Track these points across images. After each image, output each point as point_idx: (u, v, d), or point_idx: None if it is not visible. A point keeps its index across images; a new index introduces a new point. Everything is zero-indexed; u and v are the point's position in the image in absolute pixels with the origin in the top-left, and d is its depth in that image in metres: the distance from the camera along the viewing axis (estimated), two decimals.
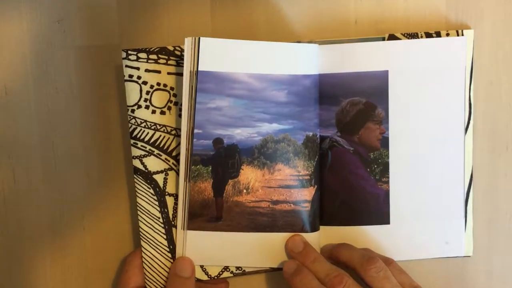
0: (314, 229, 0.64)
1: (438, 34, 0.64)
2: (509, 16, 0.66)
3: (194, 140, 0.62)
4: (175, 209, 0.64)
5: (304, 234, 0.64)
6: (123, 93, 0.64)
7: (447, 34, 0.64)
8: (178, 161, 0.64)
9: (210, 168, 0.63)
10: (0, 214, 0.67)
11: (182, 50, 0.62)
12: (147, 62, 0.63)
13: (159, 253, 0.64)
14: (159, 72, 0.63)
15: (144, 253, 0.64)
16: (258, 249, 0.64)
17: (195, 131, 0.62)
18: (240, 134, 0.63)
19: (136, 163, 0.64)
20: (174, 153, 0.64)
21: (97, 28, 0.66)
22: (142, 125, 0.64)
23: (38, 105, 0.66)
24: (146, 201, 0.64)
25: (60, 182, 0.67)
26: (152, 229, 0.64)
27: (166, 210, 0.64)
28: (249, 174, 0.63)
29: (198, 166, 0.63)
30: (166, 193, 0.64)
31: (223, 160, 0.63)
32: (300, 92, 0.63)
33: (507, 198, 0.68)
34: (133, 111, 0.63)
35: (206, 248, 0.64)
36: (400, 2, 0.66)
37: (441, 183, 0.65)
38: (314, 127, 0.63)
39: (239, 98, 0.62)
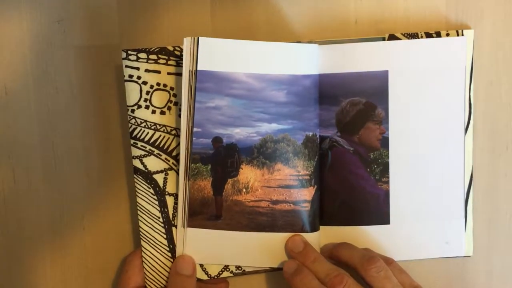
0: (314, 229, 0.64)
1: (438, 34, 0.64)
2: (509, 16, 0.66)
3: (194, 138, 0.62)
4: (175, 208, 0.64)
5: (304, 234, 0.64)
6: (123, 93, 0.64)
7: (447, 34, 0.64)
8: (178, 161, 0.64)
9: (210, 167, 0.63)
10: (0, 214, 0.67)
11: (182, 50, 0.62)
12: (147, 62, 0.63)
13: (159, 253, 0.64)
14: (159, 72, 0.63)
15: (144, 253, 0.64)
16: (258, 248, 0.64)
17: (195, 129, 0.62)
18: (239, 133, 0.63)
19: (136, 163, 0.64)
20: (174, 153, 0.64)
21: (97, 28, 0.66)
22: (142, 125, 0.64)
23: (38, 105, 0.66)
24: (146, 201, 0.64)
25: (60, 182, 0.67)
26: (152, 229, 0.64)
27: (166, 210, 0.64)
28: (248, 174, 0.63)
29: (197, 164, 0.63)
30: (166, 193, 0.64)
31: (222, 159, 0.63)
32: (300, 92, 0.63)
33: (507, 198, 0.68)
34: (133, 111, 0.63)
35: (206, 247, 0.64)
36: (400, 2, 0.66)
37: (441, 183, 0.65)
38: (314, 127, 0.63)
39: (238, 98, 0.62)
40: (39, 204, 0.67)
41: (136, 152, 0.64)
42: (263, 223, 0.64)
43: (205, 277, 0.65)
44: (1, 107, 0.66)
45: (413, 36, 0.64)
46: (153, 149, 0.64)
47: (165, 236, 0.64)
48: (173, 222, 0.64)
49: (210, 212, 0.64)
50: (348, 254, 0.62)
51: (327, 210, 0.65)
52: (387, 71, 0.64)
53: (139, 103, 0.63)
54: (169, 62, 0.63)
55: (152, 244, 0.64)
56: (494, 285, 0.69)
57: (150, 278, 0.65)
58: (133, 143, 0.64)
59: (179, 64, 0.63)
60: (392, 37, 0.64)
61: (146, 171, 0.64)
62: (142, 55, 0.63)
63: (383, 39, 0.64)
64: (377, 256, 0.61)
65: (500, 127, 0.67)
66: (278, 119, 0.63)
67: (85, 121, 0.66)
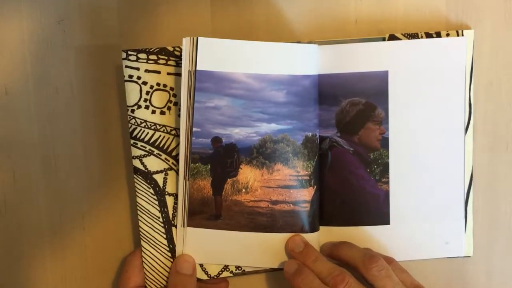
0: (314, 229, 0.64)
1: (438, 34, 0.64)
2: (509, 16, 0.66)
3: (193, 138, 0.62)
4: (175, 208, 0.64)
5: (303, 235, 0.64)
6: (123, 93, 0.64)
7: (447, 34, 0.64)
8: (177, 161, 0.64)
9: (209, 167, 0.63)
10: (0, 214, 0.67)
11: (181, 51, 0.62)
12: (147, 62, 0.63)
13: (159, 253, 0.64)
14: (159, 72, 0.63)
15: (144, 253, 0.65)
16: (258, 249, 0.64)
17: (194, 129, 0.62)
18: (238, 133, 0.63)
19: (136, 163, 0.64)
20: (173, 153, 0.64)
21: (97, 28, 0.66)
22: (142, 125, 0.64)
23: (38, 105, 0.66)
24: (146, 201, 0.64)
25: (60, 182, 0.67)
26: (152, 229, 0.64)
27: (166, 210, 0.64)
28: (248, 174, 0.63)
29: (197, 164, 0.63)
30: (166, 193, 0.64)
31: (221, 159, 0.63)
32: (299, 93, 0.63)
33: (507, 198, 0.67)
34: (133, 111, 0.64)
35: (206, 246, 0.64)
36: (400, 2, 0.66)
37: (441, 183, 0.65)
38: (313, 127, 0.63)
39: (238, 98, 0.62)
40: (39, 204, 0.67)
41: (136, 152, 0.64)
42: (262, 223, 0.64)
43: (205, 277, 0.65)
44: (1, 107, 0.66)
45: (413, 36, 0.64)
46: (153, 149, 0.64)
47: (165, 236, 0.65)
48: (173, 222, 0.65)
49: (209, 212, 0.64)
50: (348, 253, 0.62)
51: (327, 211, 0.65)
52: (387, 71, 0.64)
53: (139, 103, 0.63)
54: (169, 63, 0.63)
55: (152, 244, 0.64)
56: (494, 285, 0.68)
57: (150, 278, 0.65)
58: (133, 143, 0.64)
59: (179, 64, 0.63)
60: (392, 37, 0.64)
61: (146, 171, 0.64)
62: (142, 56, 0.63)
63: (383, 39, 0.64)
64: (378, 255, 0.61)
65: (500, 127, 0.67)
66: (278, 119, 0.63)
67: (85, 121, 0.66)
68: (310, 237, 0.64)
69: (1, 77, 0.65)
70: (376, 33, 0.66)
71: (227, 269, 0.65)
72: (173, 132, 0.64)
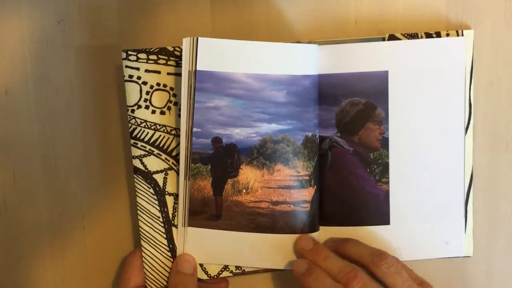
0: (314, 229, 0.64)
1: (438, 35, 0.64)
2: (509, 16, 0.66)
3: (193, 138, 0.62)
4: (175, 208, 0.64)
5: (303, 235, 0.64)
6: (123, 93, 0.64)
7: (447, 34, 0.64)
8: (178, 160, 0.64)
9: (209, 167, 0.63)
10: (0, 214, 0.67)
11: (181, 51, 0.62)
12: (147, 62, 0.63)
13: (159, 253, 0.64)
14: (159, 72, 0.63)
15: (144, 253, 0.65)
16: (258, 249, 0.64)
17: (194, 129, 0.62)
18: (239, 133, 0.63)
19: (136, 163, 0.64)
20: (174, 153, 0.64)
21: (97, 28, 0.66)
22: (142, 125, 0.64)
23: (38, 105, 0.66)
24: (146, 201, 0.64)
25: (60, 182, 0.67)
26: (152, 229, 0.64)
27: (166, 210, 0.64)
28: (248, 174, 0.63)
29: (197, 164, 0.63)
30: (166, 193, 0.64)
31: (222, 159, 0.63)
32: (299, 93, 0.63)
33: (507, 198, 0.68)
34: (133, 111, 0.64)
35: (206, 246, 0.64)
36: (400, 2, 0.66)
37: (441, 183, 0.65)
38: (313, 128, 0.63)
39: (238, 98, 0.62)
40: (39, 204, 0.67)
41: (136, 152, 0.64)
42: (263, 224, 0.64)
43: (204, 277, 0.65)
44: (1, 107, 0.66)
45: (413, 36, 0.64)
46: (153, 149, 0.64)
47: (165, 236, 0.65)
48: (173, 222, 0.65)
49: (210, 212, 0.64)
50: (355, 250, 0.62)
51: (327, 211, 0.65)
52: (387, 71, 0.64)
53: (139, 103, 0.63)
54: (169, 63, 0.63)
55: (152, 244, 0.64)
56: (494, 285, 0.69)
57: (150, 278, 0.65)
58: (133, 143, 0.64)
59: (179, 65, 0.63)
60: (392, 37, 0.64)
61: (146, 171, 0.64)
62: (142, 56, 0.63)
63: (383, 39, 0.64)
64: (386, 252, 0.61)
65: (500, 127, 0.67)
66: (278, 120, 0.63)
67: (85, 121, 0.66)
68: None
69: (1, 77, 0.65)
70: (376, 33, 0.66)
71: (227, 269, 0.65)
72: (173, 132, 0.64)
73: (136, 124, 0.64)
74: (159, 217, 0.64)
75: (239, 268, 0.65)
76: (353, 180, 0.65)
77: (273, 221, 0.64)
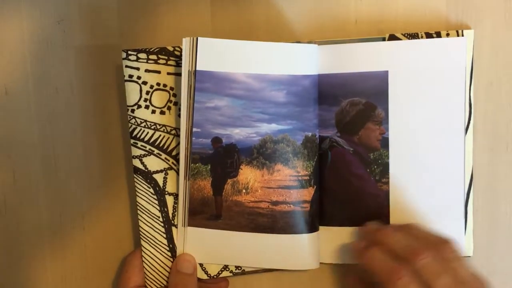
0: (314, 229, 0.64)
1: (438, 35, 0.64)
2: (509, 16, 0.66)
3: (193, 138, 0.62)
4: (175, 208, 0.64)
5: (303, 235, 0.64)
6: (123, 93, 0.64)
7: (447, 35, 0.64)
8: (177, 160, 0.64)
9: (209, 167, 0.63)
10: (0, 214, 0.67)
11: (181, 51, 0.62)
12: (147, 62, 0.63)
13: (159, 252, 0.65)
14: (159, 72, 0.63)
15: (144, 253, 0.65)
16: (258, 249, 0.64)
17: (194, 129, 0.62)
18: (238, 134, 0.63)
19: (136, 162, 0.64)
20: (173, 153, 0.64)
21: (97, 28, 0.66)
22: (142, 125, 0.64)
23: (38, 105, 0.66)
24: (146, 201, 0.64)
25: (60, 182, 0.67)
26: (152, 228, 0.64)
27: (166, 209, 0.64)
28: (248, 174, 0.63)
29: (197, 164, 0.63)
30: (166, 192, 0.64)
31: (222, 159, 0.63)
32: (299, 93, 0.63)
33: (507, 198, 0.67)
34: (133, 111, 0.64)
35: (206, 246, 0.64)
36: (400, 2, 0.66)
37: (441, 184, 0.65)
38: (313, 128, 0.63)
39: (238, 98, 0.62)
40: (39, 204, 0.67)
41: (136, 152, 0.64)
42: (263, 224, 0.64)
43: (204, 277, 0.65)
44: (1, 107, 0.66)
45: (413, 36, 0.64)
46: (153, 148, 0.64)
47: (165, 236, 0.65)
48: (173, 221, 0.65)
49: (210, 212, 0.64)
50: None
51: (327, 211, 0.65)
52: (387, 71, 0.64)
53: (139, 103, 0.63)
54: (169, 62, 0.63)
55: (152, 243, 0.65)
56: (494, 285, 0.68)
57: (150, 277, 0.65)
58: (133, 143, 0.64)
59: (179, 64, 0.63)
60: (392, 37, 0.64)
61: (146, 170, 0.64)
62: (142, 55, 0.63)
63: (383, 39, 0.64)
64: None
65: (500, 127, 0.67)
66: (278, 120, 0.63)
67: (85, 121, 0.66)
68: (310, 237, 0.64)
69: (1, 77, 0.65)
70: (376, 33, 0.66)
71: (227, 269, 0.65)
72: (173, 132, 0.64)
73: (136, 124, 0.64)
74: (159, 217, 0.64)
75: (239, 268, 0.65)
76: (353, 180, 0.65)
77: (273, 221, 0.64)
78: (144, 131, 0.64)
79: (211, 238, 0.64)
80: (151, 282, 0.65)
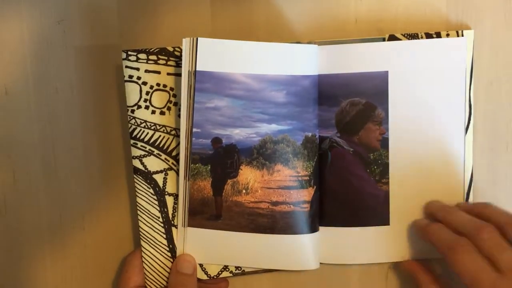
0: (314, 230, 0.64)
1: (438, 35, 0.64)
2: (509, 16, 0.66)
3: (193, 139, 0.62)
4: (174, 208, 0.64)
5: (303, 235, 0.64)
6: (123, 93, 0.64)
7: (447, 35, 0.64)
8: (177, 161, 0.64)
9: (209, 167, 0.63)
10: (0, 214, 0.67)
11: (181, 51, 0.62)
12: (147, 62, 0.63)
13: (159, 253, 0.65)
14: (158, 72, 0.63)
15: (144, 253, 0.65)
16: (258, 249, 0.64)
17: (194, 130, 0.62)
18: (238, 134, 0.63)
19: (136, 163, 0.64)
20: (173, 153, 0.64)
21: (97, 28, 0.66)
22: (142, 125, 0.64)
23: (38, 105, 0.66)
24: (146, 201, 0.64)
25: (60, 182, 0.67)
26: (152, 229, 0.64)
27: (165, 210, 0.64)
28: (248, 175, 0.63)
29: (197, 165, 0.63)
30: (166, 193, 0.64)
31: (222, 160, 0.63)
32: (299, 93, 0.63)
33: (507, 198, 0.67)
34: (133, 111, 0.64)
35: (206, 246, 0.64)
36: (400, 2, 0.66)
37: (441, 184, 0.65)
38: (313, 128, 0.63)
39: (238, 99, 0.62)
40: (39, 204, 0.67)
41: (136, 152, 0.64)
42: (263, 225, 0.64)
43: (204, 277, 0.65)
44: (1, 107, 0.66)
45: (413, 36, 0.64)
46: (153, 149, 0.64)
47: (164, 236, 0.65)
48: (172, 222, 0.65)
49: (210, 212, 0.64)
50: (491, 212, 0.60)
51: (327, 211, 0.65)
52: (387, 72, 0.64)
53: (139, 104, 0.63)
54: (169, 63, 0.63)
55: (152, 244, 0.65)
56: None
57: (150, 278, 0.65)
58: (133, 143, 0.64)
59: (178, 65, 0.63)
60: (392, 38, 0.64)
61: (146, 171, 0.64)
62: (142, 56, 0.63)
63: (383, 39, 0.64)
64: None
65: (500, 127, 0.67)
66: (278, 120, 0.63)
67: (85, 121, 0.66)
68: (310, 237, 0.64)
69: (1, 77, 0.65)
70: (376, 33, 0.66)
71: (227, 269, 0.65)
72: (173, 132, 0.64)
73: (136, 124, 0.64)
74: (159, 217, 0.64)
75: (239, 268, 0.66)
76: (353, 180, 0.65)
77: (273, 221, 0.64)
78: (144, 131, 0.64)
79: (211, 238, 0.64)
80: (151, 282, 0.65)
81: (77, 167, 0.67)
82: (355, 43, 0.64)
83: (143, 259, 0.65)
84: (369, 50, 0.64)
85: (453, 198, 0.65)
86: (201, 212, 0.64)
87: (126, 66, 0.63)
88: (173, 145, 0.64)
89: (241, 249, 0.64)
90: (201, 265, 0.65)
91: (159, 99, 0.64)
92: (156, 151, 0.64)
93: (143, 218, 0.64)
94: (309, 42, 0.64)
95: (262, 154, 0.63)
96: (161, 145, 0.64)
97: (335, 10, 0.66)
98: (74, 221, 0.67)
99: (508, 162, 0.67)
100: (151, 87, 0.63)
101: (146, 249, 0.65)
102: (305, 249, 0.64)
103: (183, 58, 0.61)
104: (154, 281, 0.65)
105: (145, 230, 0.64)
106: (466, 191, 0.65)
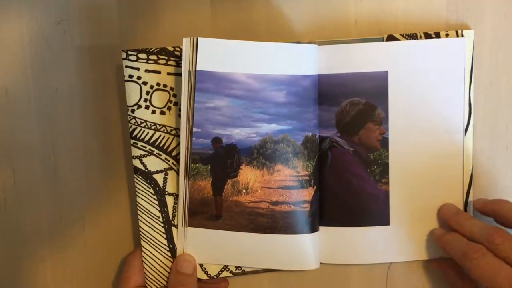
0: (314, 230, 0.64)
1: (438, 35, 0.64)
2: (509, 16, 0.66)
3: (193, 138, 0.62)
4: (175, 208, 0.64)
5: (303, 235, 0.64)
6: (123, 93, 0.64)
7: (447, 35, 0.64)
8: (177, 160, 0.64)
9: (209, 167, 0.63)
10: (0, 214, 0.67)
11: (181, 51, 0.62)
12: (147, 62, 0.63)
13: (159, 253, 0.65)
14: (159, 72, 0.63)
15: (144, 253, 0.65)
16: (258, 249, 0.64)
17: (194, 129, 0.62)
18: (238, 134, 0.63)
19: (136, 162, 0.64)
20: (174, 153, 0.64)
21: (97, 28, 0.66)
22: (142, 125, 0.64)
23: (38, 105, 0.66)
24: (146, 201, 0.64)
25: (60, 182, 0.67)
26: (152, 229, 0.64)
27: (166, 210, 0.64)
28: (248, 174, 0.63)
29: (197, 165, 0.63)
30: (166, 193, 0.64)
31: (222, 160, 0.63)
32: (299, 93, 0.63)
33: (507, 198, 0.67)
34: (133, 111, 0.64)
35: (206, 246, 0.64)
36: (400, 2, 0.66)
37: (441, 184, 0.65)
38: (313, 128, 0.63)
39: (238, 98, 0.62)
40: (39, 204, 0.67)
41: (136, 152, 0.64)
42: (263, 224, 0.64)
43: (204, 277, 0.65)
44: (1, 107, 0.66)
45: (412, 36, 0.64)
46: (153, 149, 0.64)
47: (165, 236, 0.65)
48: (173, 222, 0.65)
49: (210, 212, 0.64)
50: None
51: (327, 211, 0.65)
52: (387, 72, 0.64)
53: (139, 103, 0.63)
54: (169, 63, 0.63)
55: (152, 244, 0.65)
56: None
57: (150, 278, 0.65)
58: (133, 143, 0.64)
59: (179, 65, 0.63)
60: (391, 38, 0.64)
61: (146, 171, 0.64)
62: (142, 56, 0.63)
63: (383, 39, 0.64)
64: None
65: (500, 127, 0.67)
66: (278, 120, 0.63)
67: (85, 121, 0.66)
68: (310, 237, 0.64)
69: (1, 77, 0.65)
70: (376, 33, 0.66)
71: (227, 269, 0.65)
72: (173, 132, 0.64)
73: (136, 124, 0.64)
74: (159, 217, 0.64)
75: (239, 268, 0.66)
76: (353, 180, 0.65)
77: (273, 221, 0.64)
78: (144, 131, 0.64)
79: (211, 238, 0.64)
80: (151, 282, 0.65)
81: (77, 167, 0.67)
82: (355, 43, 0.64)
83: (143, 259, 0.65)
84: (369, 50, 0.64)
85: (453, 198, 0.65)
86: (201, 212, 0.64)
87: (126, 66, 0.63)
88: (173, 145, 0.64)
89: (241, 249, 0.64)
90: (201, 265, 0.65)
91: (159, 99, 0.64)
92: (156, 151, 0.64)
93: (143, 218, 0.64)
94: (309, 42, 0.64)
95: (262, 154, 0.63)
96: (161, 145, 0.64)
97: (335, 10, 0.66)
98: (74, 221, 0.67)
99: (508, 162, 0.67)
100: (151, 87, 0.63)
101: (146, 249, 0.65)
102: (305, 249, 0.64)
103: (183, 58, 0.61)
104: (154, 281, 0.65)
105: (145, 230, 0.64)
106: (466, 191, 0.65)
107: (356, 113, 0.64)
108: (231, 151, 0.63)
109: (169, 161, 0.64)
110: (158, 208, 0.64)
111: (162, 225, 0.64)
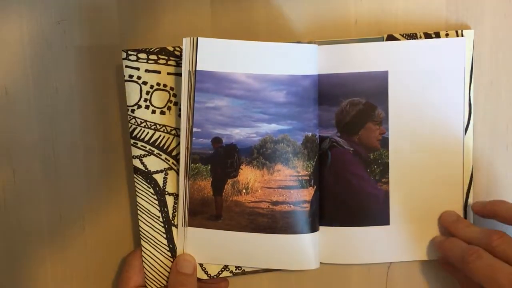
0: (314, 229, 0.64)
1: (437, 35, 0.64)
2: (509, 16, 0.66)
3: (193, 138, 0.62)
4: (175, 208, 0.64)
5: (303, 235, 0.64)
6: (123, 93, 0.64)
7: (447, 35, 0.64)
8: (178, 160, 0.64)
9: (209, 167, 0.63)
10: (0, 214, 0.67)
11: (181, 51, 0.62)
12: (147, 62, 0.63)
13: (159, 252, 0.65)
14: (159, 72, 0.63)
15: (144, 253, 0.65)
16: (258, 250, 0.64)
17: (194, 129, 0.62)
18: (238, 134, 0.63)
19: (136, 162, 0.64)
20: (174, 153, 0.64)
21: (97, 28, 0.66)
22: (142, 125, 0.64)
23: (38, 105, 0.66)
24: (146, 201, 0.64)
25: (60, 182, 0.67)
26: (152, 228, 0.64)
27: (166, 209, 0.64)
28: (248, 174, 0.63)
29: (197, 165, 0.63)
30: (166, 193, 0.64)
31: (222, 159, 0.63)
32: (299, 93, 0.63)
33: (507, 199, 0.67)
34: (133, 111, 0.64)
35: (206, 246, 0.64)
36: (400, 2, 0.66)
37: (441, 184, 0.65)
38: (313, 128, 0.63)
39: (238, 98, 0.62)
40: (39, 204, 0.67)
41: (136, 152, 0.64)
42: (263, 224, 0.64)
43: (204, 277, 0.65)
44: (1, 107, 0.66)
45: (412, 36, 0.64)
46: (153, 149, 0.64)
47: (165, 236, 0.65)
48: (173, 221, 0.65)
49: (210, 212, 0.64)
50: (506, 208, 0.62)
51: (327, 211, 0.65)
52: (387, 72, 0.64)
53: (139, 103, 0.64)
54: (169, 62, 0.63)
55: (152, 243, 0.65)
56: None
57: (150, 277, 0.65)
58: (133, 143, 0.64)
59: (179, 64, 0.63)
60: (391, 38, 0.64)
61: (146, 170, 0.64)
62: (142, 55, 0.63)
63: (383, 39, 0.64)
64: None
65: (500, 127, 0.67)
66: (278, 120, 0.63)
67: (85, 121, 0.66)
68: (310, 237, 0.64)
69: (1, 77, 0.65)
70: (376, 33, 0.66)
71: (227, 269, 0.65)
72: (173, 132, 0.64)
73: (136, 124, 0.64)
74: (159, 217, 0.64)
75: (239, 268, 0.66)
76: (353, 180, 0.65)
77: (273, 221, 0.64)
78: (144, 131, 0.64)
79: (211, 238, 0.64)
80: (151, 282, 0.65)
81: (77, 167, 0.67)
82: (355, 43, 0.64)
83: (143, 259, 0.65)
84: (369, 50, 0.64)
85: (453, 198, 0.65)
86: (201, 212, 0.64)
87: (126, 66, 0.63)
88: (173, 144, 0.64)
89: (241, 249, 0.64)
90: (201, 265, 0.65)
91: (159, 98, 0.64)
92: (156, 151, 0.64)
93: (143, 218, 0.64)
94: (309, 42, 0.64)
95: (262, 154, 0.63)
96: (161, 145, 0.64)
97: (335, 10, 0.66)
98: (74, 221, 0.67)
99: (508, 162, 0.67)
100: (151, 86, 0.63)
101: (146, 249, 0.65)
102: (305, 248, 0.64)
103: (183, 57, 0.61)
104: (154, 280, 0.65)
105: (145, 230, 0.64)
106: (466, 191, 0.65)
107: (356, 113, 0.64)
108: (231, 151, 0.63)
109: (169, 161, 0.64)
110: (158, 208, 0.64)
111: (162, 225, 0.64)
